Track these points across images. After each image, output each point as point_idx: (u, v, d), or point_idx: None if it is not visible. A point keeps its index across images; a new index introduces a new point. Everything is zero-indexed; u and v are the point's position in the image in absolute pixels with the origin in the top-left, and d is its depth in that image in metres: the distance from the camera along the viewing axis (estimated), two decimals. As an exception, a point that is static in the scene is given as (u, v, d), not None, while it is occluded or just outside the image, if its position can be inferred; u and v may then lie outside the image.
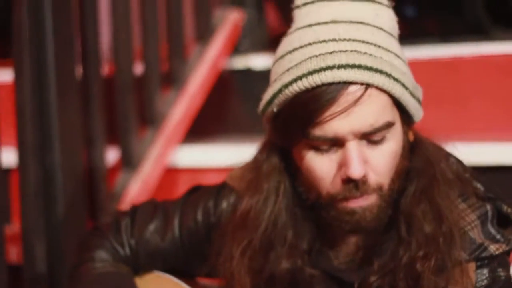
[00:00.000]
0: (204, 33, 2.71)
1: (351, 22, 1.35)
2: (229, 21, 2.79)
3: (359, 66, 1.30)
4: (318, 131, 1.31)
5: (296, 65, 1.33)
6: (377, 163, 1.33)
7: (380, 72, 1.31)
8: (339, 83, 1.30)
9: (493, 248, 1.35)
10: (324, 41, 1.33)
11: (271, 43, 2.88)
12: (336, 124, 1.30)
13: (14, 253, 2.07)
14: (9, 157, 2.01)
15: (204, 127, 2.67)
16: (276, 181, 1.41)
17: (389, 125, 1.32)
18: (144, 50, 2.43)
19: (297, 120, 1.32)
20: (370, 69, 1.30)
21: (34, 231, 1.94)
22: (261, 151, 1.45)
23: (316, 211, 1.38)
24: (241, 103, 2.75)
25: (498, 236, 1.37)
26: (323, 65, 1.30)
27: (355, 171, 1.30)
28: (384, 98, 1.32)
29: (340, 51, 1.31)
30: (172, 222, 1.54)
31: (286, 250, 1.39)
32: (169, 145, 2.42)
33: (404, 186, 1.38)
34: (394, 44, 1.37)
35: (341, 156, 1.32)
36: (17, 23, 1.93)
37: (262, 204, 1.41)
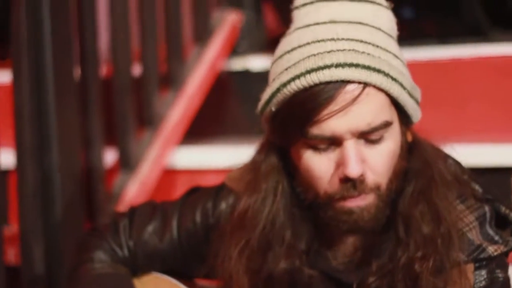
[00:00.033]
0: (202, 35, 2.71)
1: (349, 22, 1.35)
2: (227, 22, 2.80)
3: (357, 65, 1.30)
4: (316, 130, 1.31)
5: (294, 64, 1.33)
6: (375, 163, 1.33)
7: (378, 71, 1.31)
8: (337, 81, 1.30)
9: (492, 250, 1.35)
10: (322, 40, 1.33)
11: (269, 44, 2.88)
12: (333, 123, 1.30)
13: (12, 254, 2.07)
14: (7, 158, 2.02)
15: (202, 128, 2.67)
16: (275, 181, 1.41)
17: (387, 125, 1.32)
18: (143, 51, 2.43)
19: (295, 119, 1.32)
20: (368, 68, 1.30)
21: (32, 232, 1.94)
22: (259, 152, 1.45)
23: (314, 211, 1.38)
24: (239, 105, 2.75)
25: (496, 238, 1.37)
26: (321, 63, 1.30)
27: (353, 170, 1.30)
28: (382, 97, 1.32)
29: (338, 50, 1.31)
30: (171, 223, 1.54)
31: (284, 250, 1.39)
32: (167, 146, 2.42)
33: (402, 187, 1.38)
34: (392, 45, 1.38)
35: (338, 155, 1.32)
36: (15, 24, 1.93)
37: (260, 204, 1.41)
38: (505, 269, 1.37)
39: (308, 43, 1.34)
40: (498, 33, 2.81)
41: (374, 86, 1.31)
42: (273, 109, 1.36)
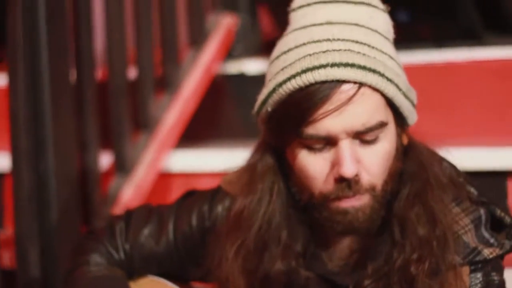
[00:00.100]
0: (198, 38, 2.71)
1: (346, 23, 1.36)
2: (223, 26, 2.80)
3: (352, 65, 1.31)
4: (311, 130, 1.31)
5: (290, 64, 1.34)
6: (370, 163, 1.33)
7: (373, 71, 1.32)
8: (332, 81, 1.30)
9: (487, 252, 1.35)
10: (318, 41, 1.34)
11: (264, 48, 2.88)
12: (329, 122, 1.30)
13: (7, 258, 2.06)
14: (3, 162, 2.02)
15: (197, 131, 2.67)
16: (270, 181, 1.41)
17: (382, 125, 1.33)
18: (138, 54, 2.43)
19: (291, 119, 1.32)
20: (363, 68, 1.31)
21: (27, 236, 1.94)
22: (255, 152, 1.45)
23: (309, 212, 1.38)
24: (235, 108, 2.75)
25: (491, 240, 1.37)
26: (316, 63, 1.31)
27: (348, 170, 1.30)
28: (377, 98, 1.33)
29: (334, 50, 1.32)
30: (167, 227, 1.54)
31: (281, 250, 1.40)
32: (163, 150, 2.42)
33: (397, 189, 1.38)
34: (388, 46, 1.38)
35: (333, 155, 1.33)
36: (11, 27, 1.93)
37: (256, 204, 1.41)
38: (500, 272, 1.37)
39: (304, 44, 1.35)
40: (493, 37, 2.81)
41: (370, 86, 1.32)
42: (269, 109, 1.37)
